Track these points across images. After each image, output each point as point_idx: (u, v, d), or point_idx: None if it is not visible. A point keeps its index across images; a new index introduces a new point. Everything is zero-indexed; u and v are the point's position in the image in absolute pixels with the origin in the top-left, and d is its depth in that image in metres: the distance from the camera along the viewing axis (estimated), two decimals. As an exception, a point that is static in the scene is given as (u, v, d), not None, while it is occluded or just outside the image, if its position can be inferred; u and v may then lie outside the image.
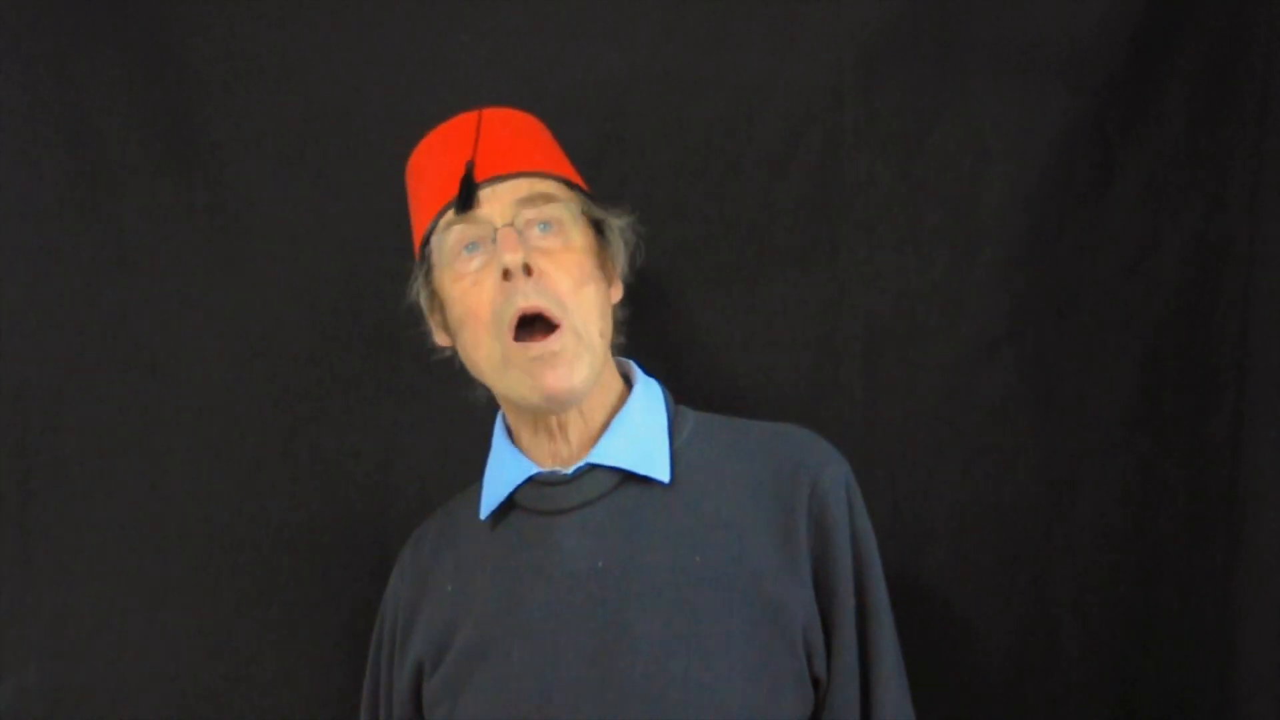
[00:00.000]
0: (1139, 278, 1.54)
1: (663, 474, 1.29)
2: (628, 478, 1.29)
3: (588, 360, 1.25)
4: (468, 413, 1.60)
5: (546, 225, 1.27)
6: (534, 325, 1.24)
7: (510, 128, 1.33)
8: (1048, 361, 1.55)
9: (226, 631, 1.62)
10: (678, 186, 1.58)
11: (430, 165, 1.33)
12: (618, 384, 1.35)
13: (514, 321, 1.23)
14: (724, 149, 1.58)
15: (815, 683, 1.27)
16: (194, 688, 1.62)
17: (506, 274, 1.23)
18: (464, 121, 1.32)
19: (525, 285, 1.23)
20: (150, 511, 1.63)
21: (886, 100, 1.56)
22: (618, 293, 1.34)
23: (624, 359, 1.38)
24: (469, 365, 1.31)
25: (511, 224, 1.25)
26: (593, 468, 1.29)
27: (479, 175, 1.27)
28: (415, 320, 1.61)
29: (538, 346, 1.23)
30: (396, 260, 1.62)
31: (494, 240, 1.25)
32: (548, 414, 1.29)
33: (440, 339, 1.36)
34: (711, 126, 1.58)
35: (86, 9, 1.61)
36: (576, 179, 1.34)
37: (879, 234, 1.56)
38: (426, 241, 1.31)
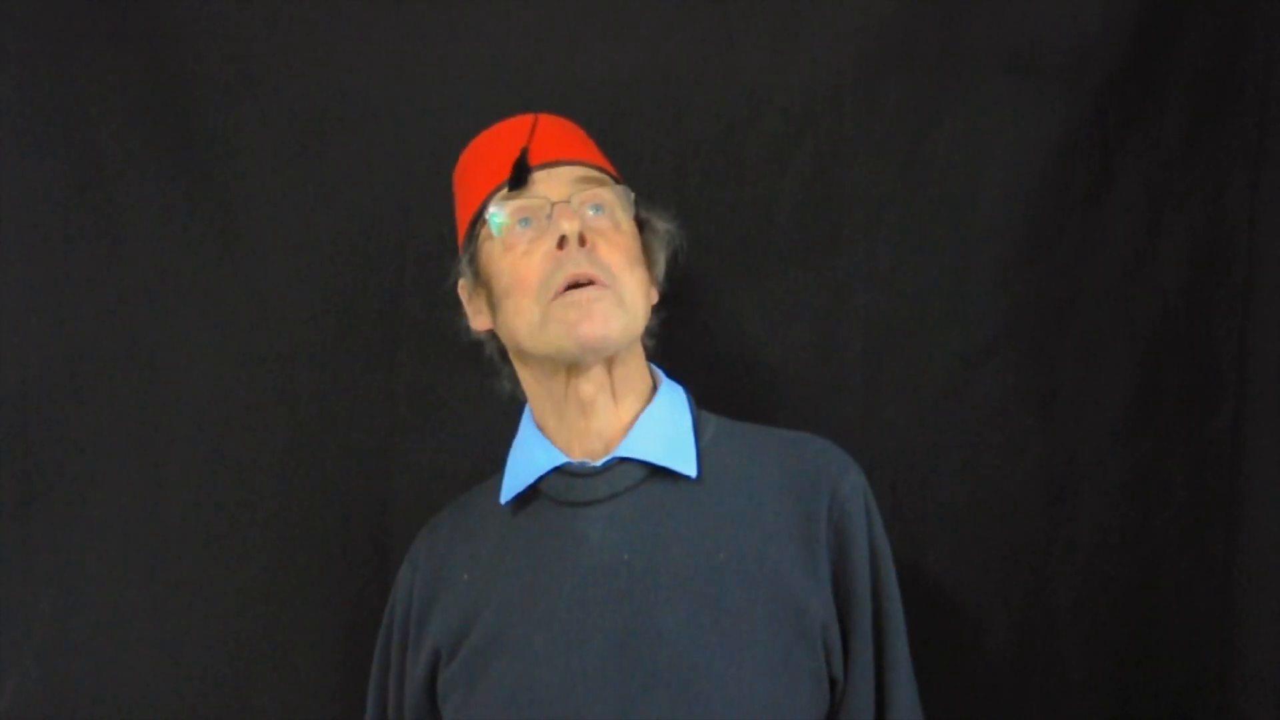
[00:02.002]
0: (1139, 278, 1.54)
1: (690, 469, 1.30)
2: (654, 472, 1.31)
3: (623, 320, 1.28)
4: (468, 412, 1.61)
5: (599, 208, 1.30)
6: (581, 288, 1.27)
7: (563, 127, 1.37)
8: (1048, 361, 1.55)
9: (226, 631, 1.62)
10: (678, 186, 1.58)
11: (481, 157, 1.36)
12: (646, 382, 1.36)
13: (562, 287, 1.26)
14: (724, 149, 1.58)
15: (832, 683, 1.29)
16: (194, 688, 1.62)
17: (562, 242, 1.26)
18: (518, 121, 1.36)
19: (578, 254, 1.26)
20: (150, 511, 1.62)
21: (886, 100, 1.56)
22: (654, 295, 1.37)
23: (647, 364, 1.39)
24: (507, 335, 1.33)
25: (568, 201, 1.28)
26: (621, 461, 1.31)
27: (533, 159, 1.31)
28: (415, 320, 1.62)
29: (577, 293, 1.26)
30: (396, 260, 1.62)
31: (549, 216, 1.28)
32: (581, 365, 1.29)
33: (478, 323, 1.37)
34: (712, 127, 1.58)
35: (86, 9, 1.61)
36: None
37: (879, 234, 1.57)
38: (474, 225, 1.34)
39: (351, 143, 1.61)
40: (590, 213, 1.30)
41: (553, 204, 1.28)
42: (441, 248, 1.59)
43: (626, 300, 1.28)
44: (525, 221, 1.29)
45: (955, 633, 1.55)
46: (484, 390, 1.57)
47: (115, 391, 1.63)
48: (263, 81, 1.61)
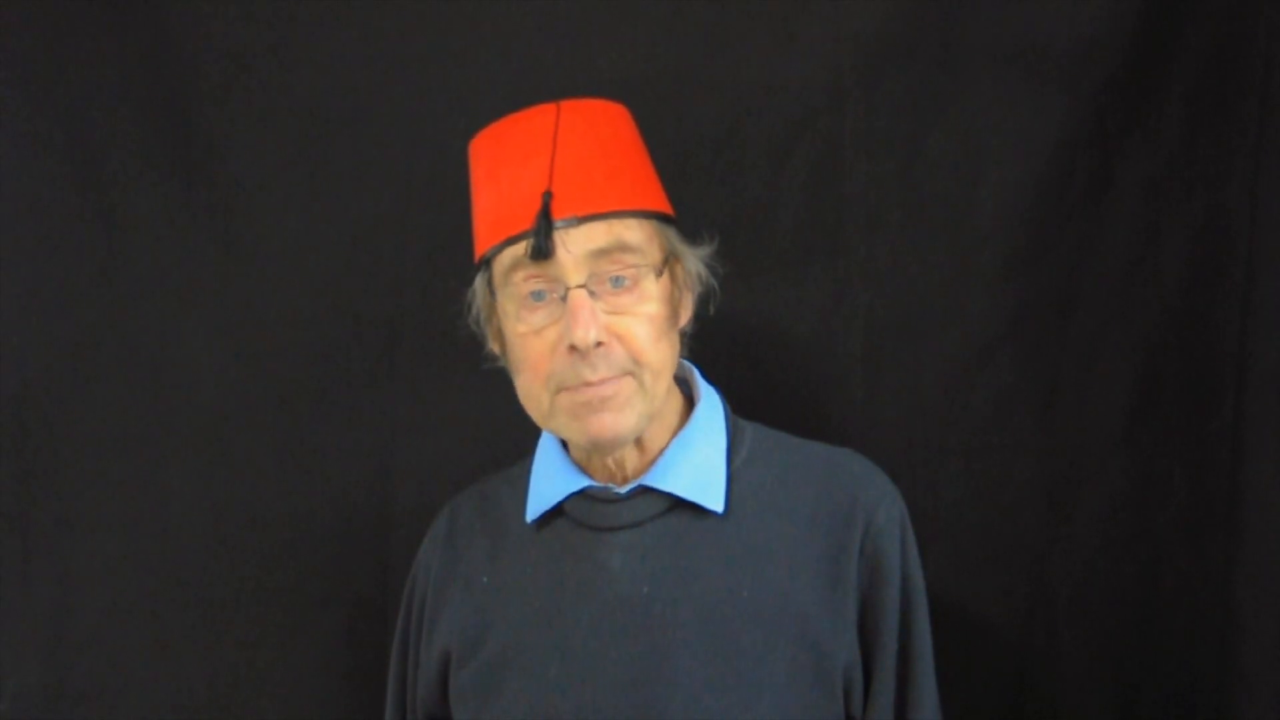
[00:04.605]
0: (1139, 278, 1.54)
1: (717, 504, 1.27)
2: (680, 503, 1.27)
3: (641, 409, 1.22)
4: (468, 412, 1.61)
5: (621, 280, 1.21)
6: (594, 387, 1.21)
7: (589, 137, 1.25)
8: (1048, 361, 1.55)
9: (226, 631, 1.62)
10: (678, 187, 1.57)
11: (500, 169, 1.25)
12: (677, 404, 1.32)
13: (573, 385, 1.20)
14: (724, 149, 1.58)
15: None
16: (194, 687, 1.62)
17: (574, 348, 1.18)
18: (541, 120, 1.25)
19: (594, 358, 1.19)
20: (150, 511, 1.63)
21: (886, 100, 1.56)
22: (686, 316, 1.31)
23: (684, 363, 1.35)
24: (520, 400, 1.27)
25: (585, 285, 1.19)
26: (646, 489, 1.27)
27: (555, 211, 1.19)
28: (415, 320, 1.62)
29: (589, 391, 1.20)
30: (396, 260, 1.62)
31: (563, 298, 1.19)
32: (596, 454, 1.27)
33: (495, 347, 1.31)
34: (711, 126, 1.58)
35: (86, 9, 1.61)
36: (656, 198, 1.29)
37: (879, 234, 1.57)
38: (489, 256, 1.25)
39: (351, 143, 1.61)
40: (611, 287, 1.20)
41: (568, 288, 1.19)
42: (441, 248, 1.59)
43: (648, 383, 1.21)
44: (538, 295, 1.21)
45: (955, 632, 1.54)
46: (484, 390, 1.57)
47: (115, 391, 1.63)
48: (263, 81, 1.62)
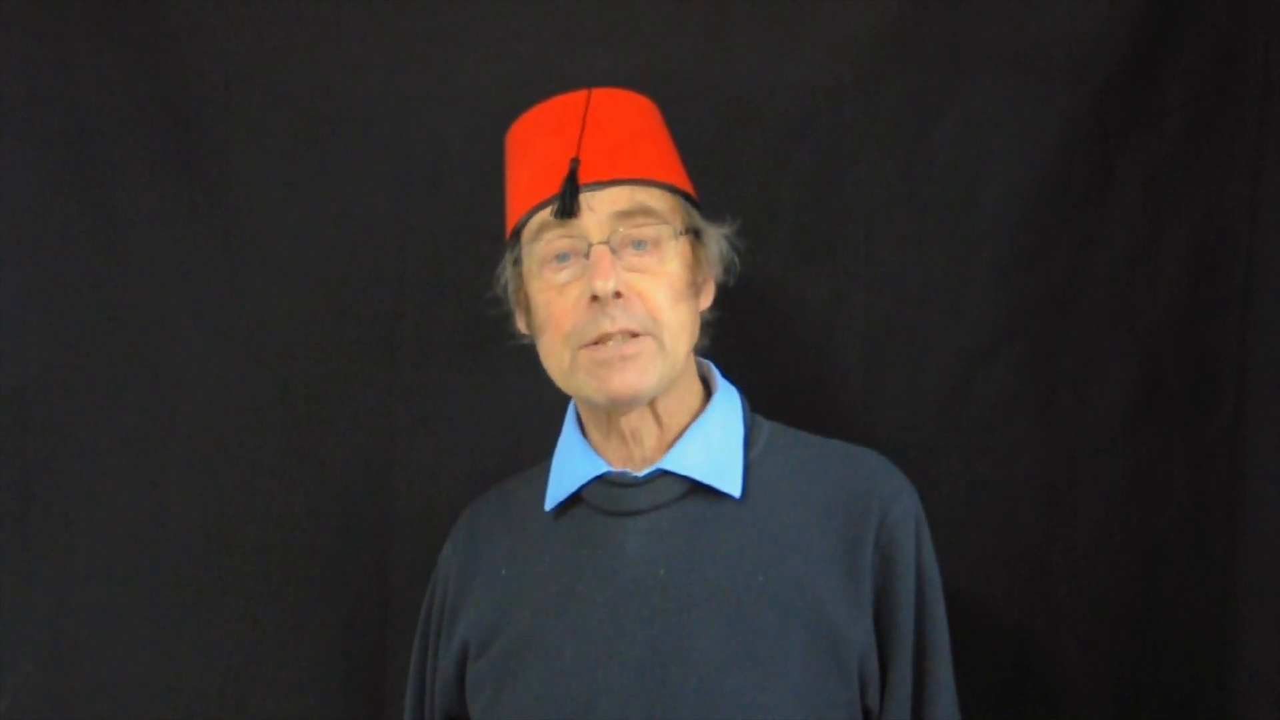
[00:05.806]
0: (1139, 278, 1.54)
1: (734, 488, 1.28)
2: (697, 487, 1.28)
3: (661, 369, 1.25)
4: (468, 412, 1.61)
5: (642, 244, 1.25)
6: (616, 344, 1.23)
7: (618, 118, 1.30)
8: (1048, 361, 1.55)
9: (226, 631, 1.62)
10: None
11: (532, 146, 1.30)
12: (697, 390, 1.33)
13: (593, 339, 1.23)
14: (724, 149, 1.58)
15: (866, 713, 1.26)
16: (194, 688, 1.62)
17: (595, 298, 1.22)
18: (572, 102, 1.30)
19: (613, 308, 1.22)
20: (150, 511, 1.62)
21: (886, 100, 1.56)
22: (708, 299, 1.33)
23: (704, 360, 1.37)
24: (543, 362, 1.30)
25: (607, 242, 1.23)
26: (664, 473, 1.29)
27: (582, 176, 1.25)
28: (414, 320, 1.62)
29: (610, 349, 1.23)
30: (396, 260, 1.62)
31: (586, 255, 1.24)
32: (614, 414, 1.29)
33: (521, 325, 1.34)
34: (711, 127, 1.58)
35: (86, 9, 1.61)
36: (681, 179, 1.32)
37: (879, 234, 1.57)
38: (519, 228, 1.29)
39: (351, 143, 1.61)
40: (632, 249, 1.24)
41: (590, 245, 1.23)
42: (441, 247, 1.60)
43: (668, 345, 1.24)
44: (563, 256, 1.25)
45: (955, 633, 1.54)
46: (485, 390, 1.57)
47: (115, 391, 1.63)
48: (262, 82, 1.62)
